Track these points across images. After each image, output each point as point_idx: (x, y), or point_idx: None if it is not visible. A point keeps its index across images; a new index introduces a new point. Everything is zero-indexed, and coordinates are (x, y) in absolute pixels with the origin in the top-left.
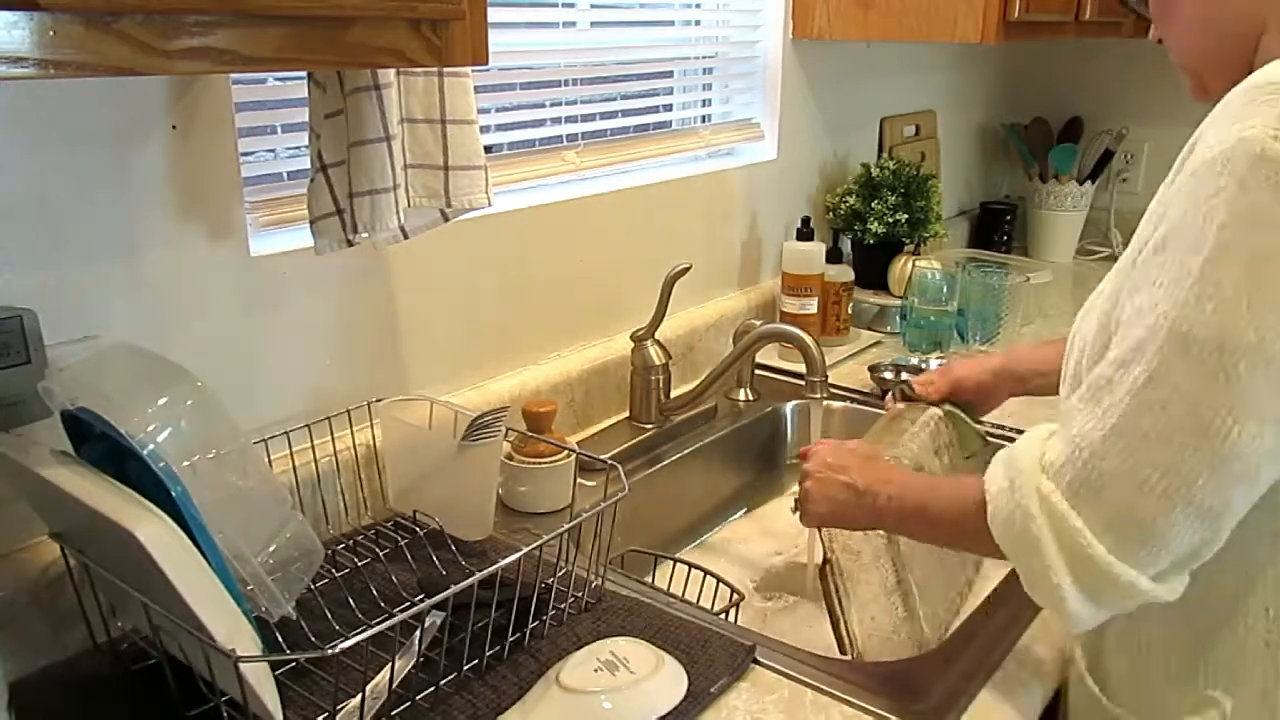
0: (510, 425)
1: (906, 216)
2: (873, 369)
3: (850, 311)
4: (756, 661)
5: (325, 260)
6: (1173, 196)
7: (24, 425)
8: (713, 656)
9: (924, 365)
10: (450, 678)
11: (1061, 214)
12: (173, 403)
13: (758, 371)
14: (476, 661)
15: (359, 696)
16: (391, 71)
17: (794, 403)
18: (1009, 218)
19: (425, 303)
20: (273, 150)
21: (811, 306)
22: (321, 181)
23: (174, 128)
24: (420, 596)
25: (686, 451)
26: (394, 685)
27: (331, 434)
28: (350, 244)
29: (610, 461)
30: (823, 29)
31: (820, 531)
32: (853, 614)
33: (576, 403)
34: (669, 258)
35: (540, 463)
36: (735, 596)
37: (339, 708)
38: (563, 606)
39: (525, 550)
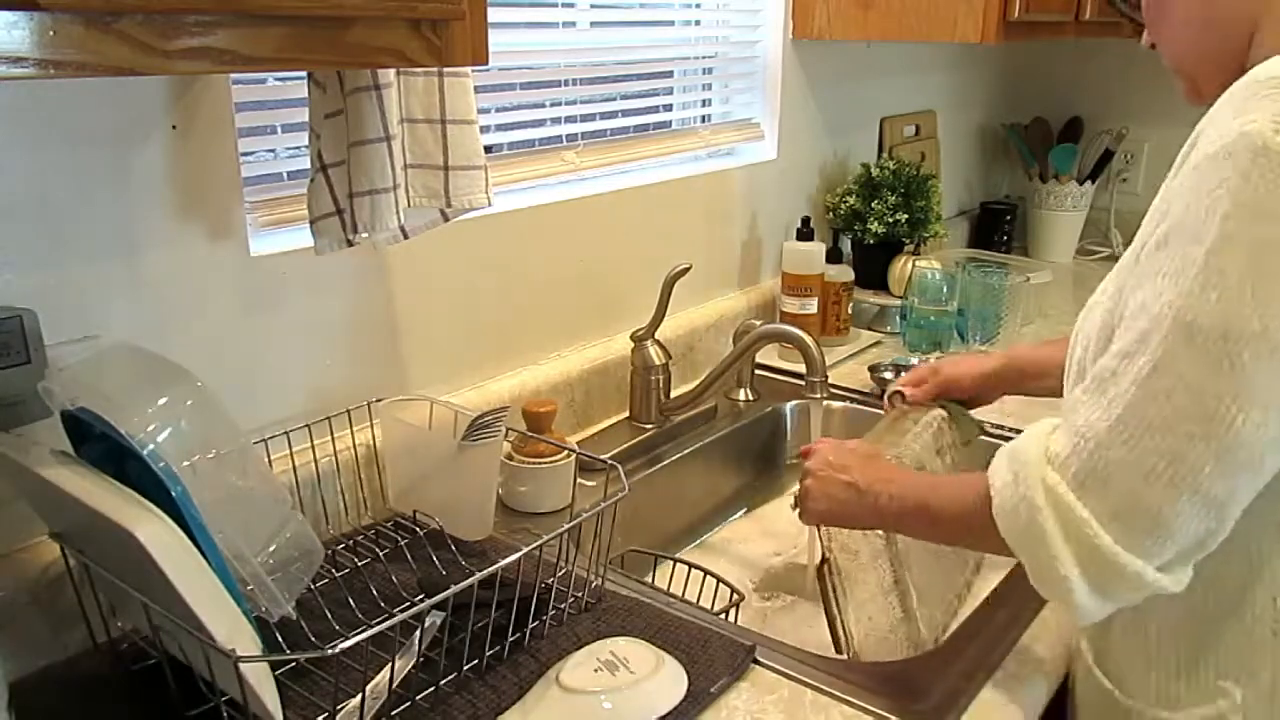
0: (510, 425)
1: (906, 216)
2: (873, 369)
3: (850, 311)
4: (756, 661)
5: (325, 260)
6: (1175, 191)
7: (24, 425)
8: (713, 656)
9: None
10: (450, 678)
11: (1061, 214)
12: (173, 403)
13: (758, 371)
14: (476, 661)
15: (359, 696)
16: (391, 71)
17: (794, 403)
18: (1009, 218)
19: (425, 303)
20: (273, 150)
21: (811, 306)
22: (321, 181)
23: (174, 128)
24: (420, 596)
25: (686, 451)
26: (394, 685)
27: (331, 434)
28: (350, 244)
29: (610, 461)
30: (823, 29)
31: (819, 530)
32: (850, 613)
33: (576, 403)
34: (669, 258)
35: (540, 463)
36: (735, 596)
37: (339, 708)
38: (563, 606)
39: (525, 550)
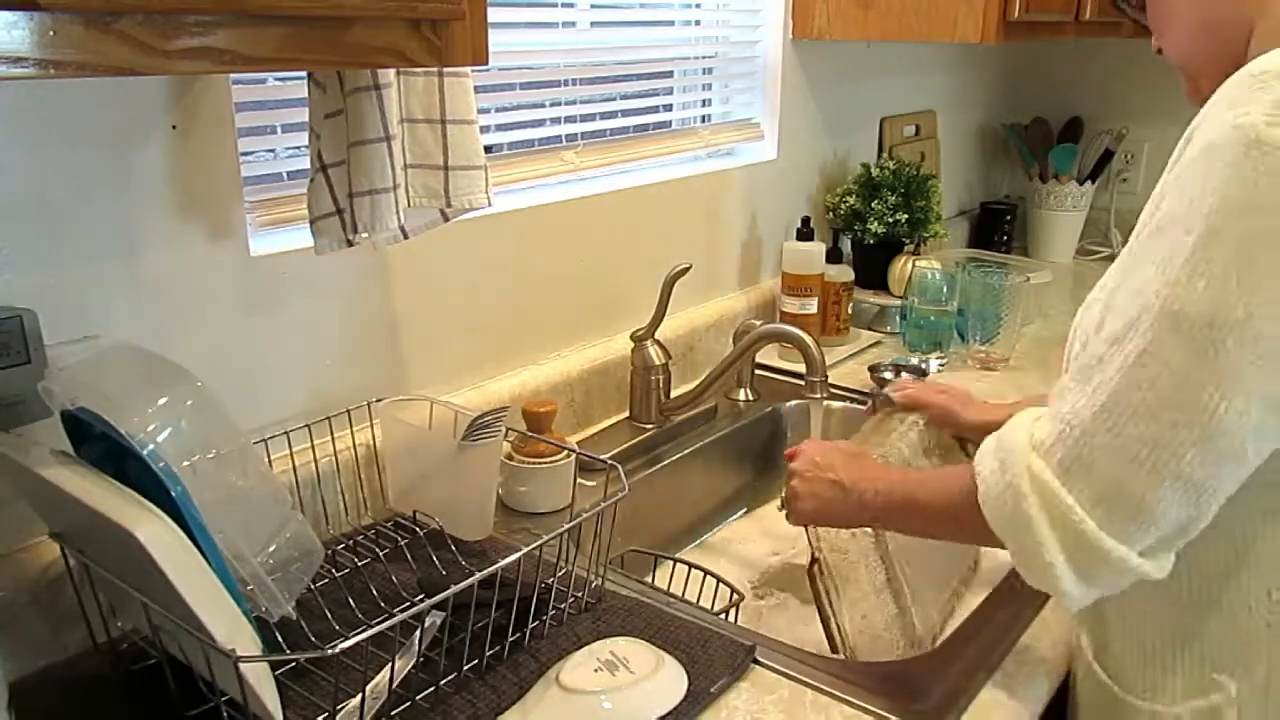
0: (510, 425)
1: (906, 216)
2: (873, 369)
3: (850, 311)
4: (756, 661)
5: (325, 260)
6: (1170, 184)
7: (24, 425)
8: (713, 656)
9: (923, 365)
10: (450, 678)
11: (1061, 214)
12: (173, 403)
13: (758, 371)
14: (476, 661)
15: (359, 696)
16: (391, 71)
17: (794, 403)
18: (1009, 218)
19: (425, 303)
20: (273, 150)
21: (811, 306)
22: (321, 181)
23: (174, 128)
24: (420, 596)
25: (686, 451)
26: (394, 685)
27: (331, 434)
28: (350, 244)
29: (610, 461)
30: (823, 29)
31: (808, 531)
32: (843, 613)
33: (576, 403)
34: (669, 258)
35: (540, 463)
36: (735, 596)
37: (339, 708)
38: (563, 606)
39: (525, 550)
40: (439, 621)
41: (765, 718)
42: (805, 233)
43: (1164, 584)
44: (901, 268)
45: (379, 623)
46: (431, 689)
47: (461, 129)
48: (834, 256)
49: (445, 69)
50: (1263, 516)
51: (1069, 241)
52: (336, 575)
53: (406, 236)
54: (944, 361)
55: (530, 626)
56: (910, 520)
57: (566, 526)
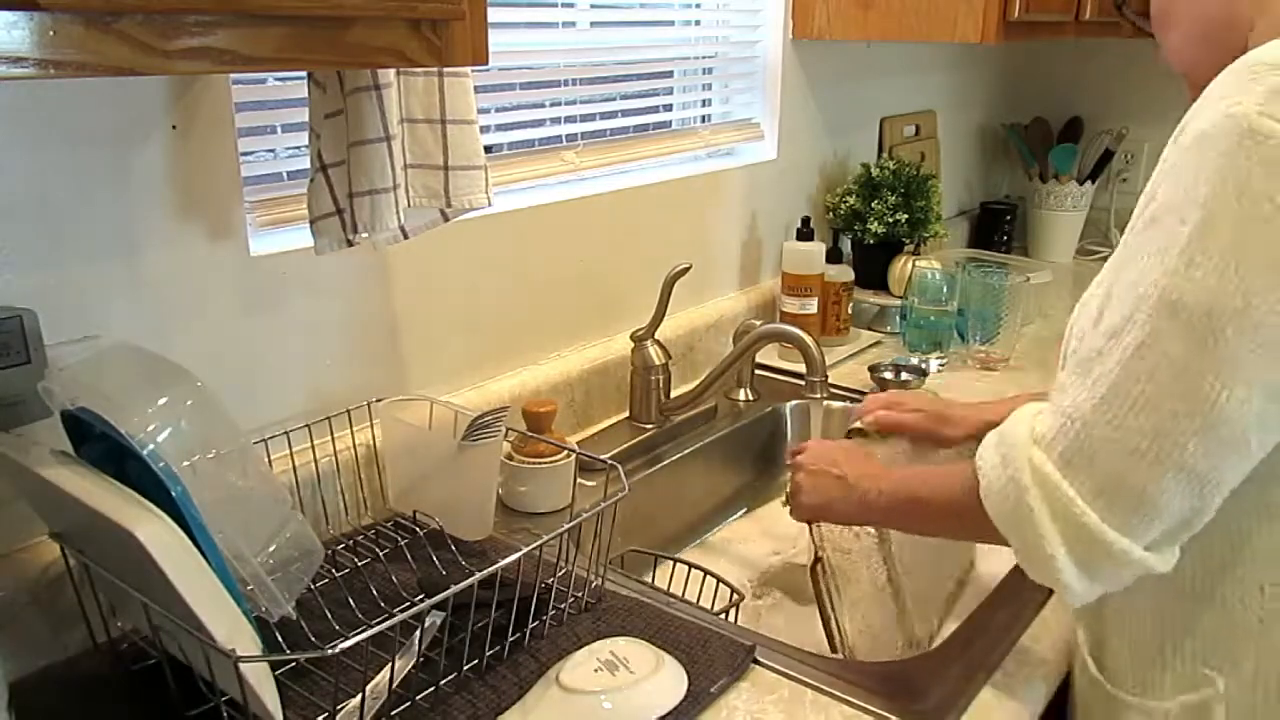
0: (510, 425)
1: (906, 216)
2: (873, 369)
3: (850, 311)
4: (756, 661)
5: (325, 260)
6: (1163, 174)
7: (24, 425)
8: (713, 656)
9: (923, 365)
10: (450, 678)
11: (1061, 214)
12: (173, 403)
13: (758, 371)
14: (476, 661)
15: (359, 696)
16: (391, 71)
17: (794, 403)
18: (1009, 218)
19: (425, 303)
20: (273, 150)
21: (811, 306)
22: (321, 181)
23: (174, 128)
24: (420, 596)
25: (686, 451)
26: (394, 685)
27: (331, 434)
28: (350, 244)
29: (610, 461)
30: (823, 29)
31: (811, 530)
32: (844, 612)
33: (576, 403)
34: (669, 258)
35: (540, 463)
36: (735, 596)
37: (339, 708)
38: (563, 606)
39: (525, 550)
40: (439, 621)
41: (765, 718)
42: (805, 233)
43: (1159, 579)
44: (901, 268)
45: (379, 623)
46: (431, 689)
47: (461, 129)
48: (834, 256)
49: (445, 69)
50: (1259, 511)
51: (1069, 241)
52: (336, 575)
53: (406, 236)
54: (944, 361)
55: (530, 626)
56: (913, 518)
57: (566, 526)
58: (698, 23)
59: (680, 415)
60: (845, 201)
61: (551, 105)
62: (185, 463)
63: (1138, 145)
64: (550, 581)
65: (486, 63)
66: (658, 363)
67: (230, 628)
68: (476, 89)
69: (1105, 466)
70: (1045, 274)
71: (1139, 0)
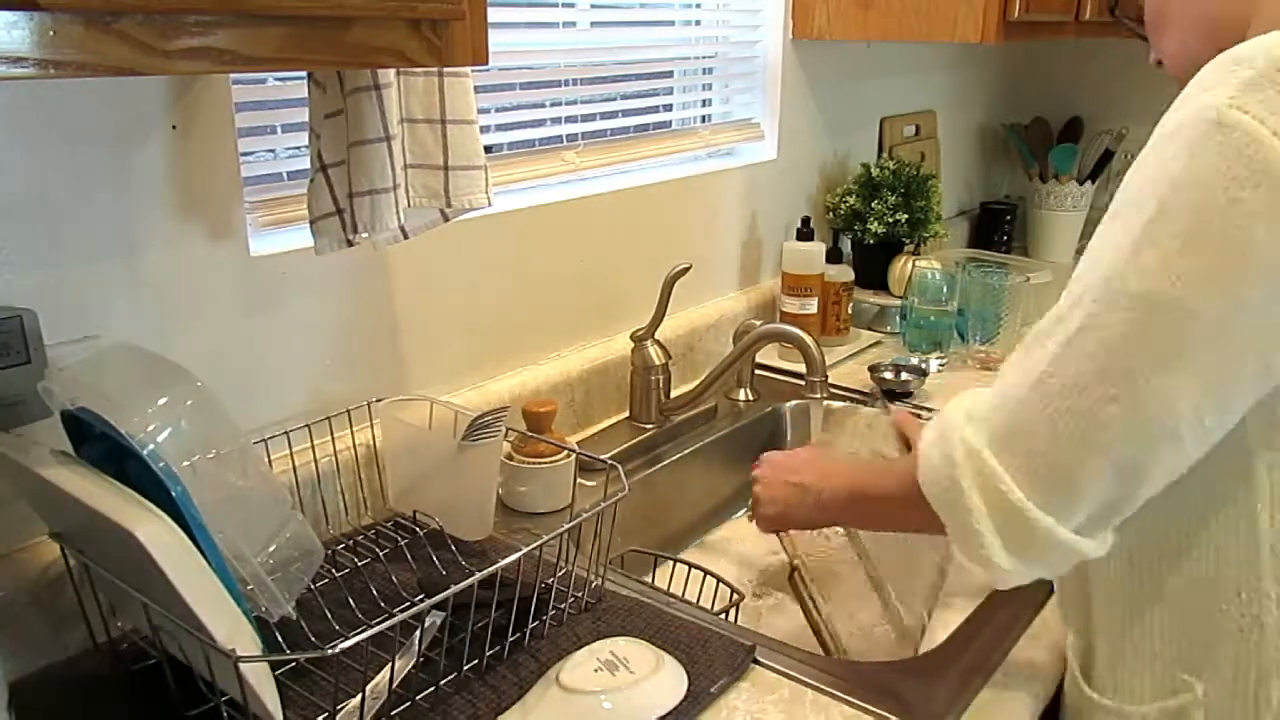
0: (510, 425)
1: (906, 216)
2: (873, 369)
3: (850, 311)
4: (756, 661)
5: (325, 260)
6: (1134, 167)
7: (24, 425)
8: (713, 656)
9: (923, 365)
10: (450, 678)
11: (1061, 214)
12: (173, 403)
13: (758, 371)
14: (476, 661)
15: (359, 696)
16: (391, 71)
17: (794, 403)
18: (1009, 218)
19: (425, 303)
20: (273, 150)
21: (811, 306)
22: (321, 181)
23: (174, 128)
24: (420, 596)
25: (686, 451)
26: (394, 685)
27: (331, 434)
28: (350, 244)
29: (610, 461)
30: (823, 29)
31: (782, 540)
32: (831, 616)
33: (576, 403)
34: (669, 258)
35: (540, 463)
36: (735, 596)
37: (339, 708)
38: (563, 606)
39: (525, 550)
40: (439, 621)
41: (765, 718)
42: (805, 233)
43: (1138, 583)
44: (901, 268)
45: (379, 623)
46: (431, 689)
47: (461, 129)
48: (834, 256)
49: (445, 69)
50: (1246, 521)
51: (1069, 241)
52: (336, 575)
53: (406, 236)
54: (944, 361)
55: (530, 626)
56: (869, 513)
57: (566, 526)
58: (698, 23)
59: (680, 415)
60: (845, 201)
61: (551, 105)
62: (185, 463)
63: (1138, 145)
64: (550, 581)
65: (486, 63)
66: (658, 363)
67: (230, 628)
68: (476, 89)
69: (1033, 445)
70: (1045, 274)
71: (1133, 5)
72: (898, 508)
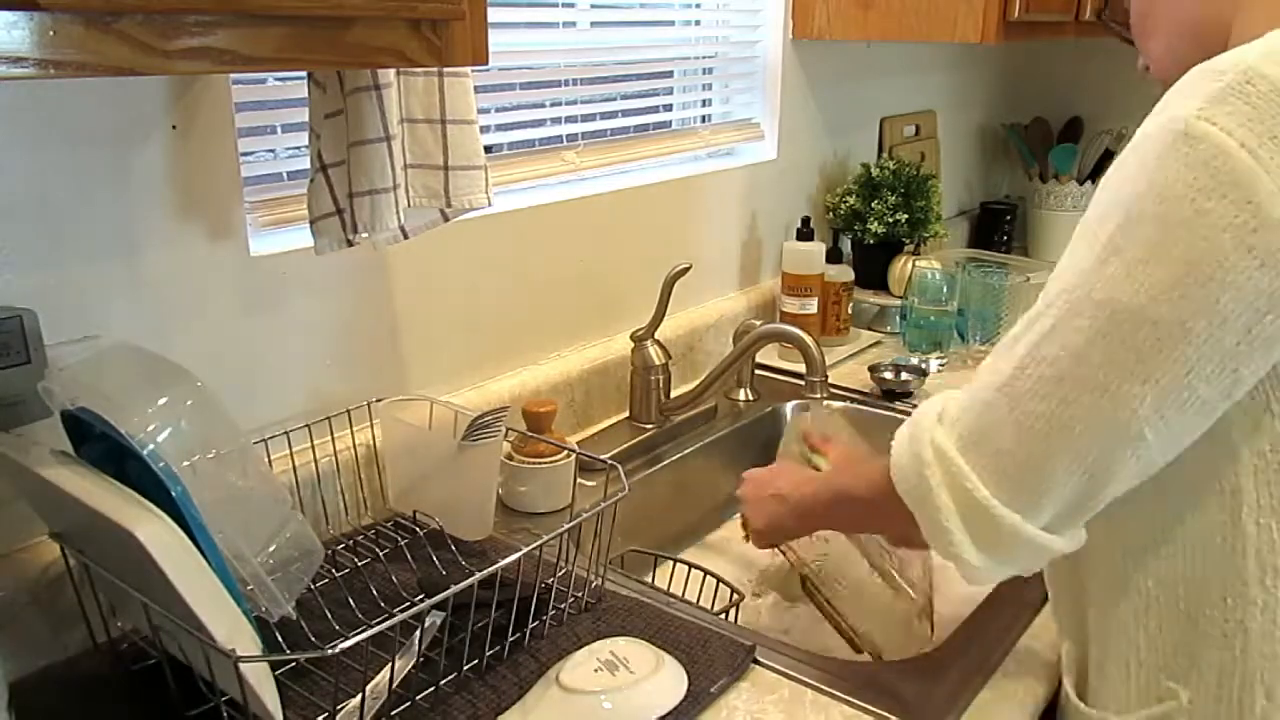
0: (510, 425)
1: (906, 216)
2: (873, 369)
3: (850, 311)
4: (756, 661)
5: (325, 260)
6: (1108, 174)
7: (24, 425)
8: (713, 656)
9: (923, 365)
10: (450, 678)
11: (1061, 214)
12: (173, 403)
13: (758, 371)
14: (476, 661)
15: (359, 696)
16: (391, 71)
17: (794, 403)
18: (1009, 218)
19: (425, 303)
20: (273, 150)
21: (811, 306)
22: (321, 181)
23: (174, 128)
24: (420, 596)
25: (686, 451)
26: (394, 685)
27: (331, 434)
28: (350, 244)
29: (610, 461)
30: (823, 29)
31: (782, 553)
32: (849, 612)
33: (576, 403)
34: (669, 258)
35: (540, 463)
36: (735, 596)
37: (339, 708)
38: (563, 606)
39: (525, 550)
40: (439, 621)
41: (765, 718)
42: (805, 233)
43: (1122, 589)
44: (901, 268)
45: (379, 623)
46: (431, 689)
47: (461, 129)
48: (834, 256)
49: (445, 69)
50: (1229, 526)
51: (1069, 242)
52: (336, 575)
53: (406, 236)
54: (944, 361)
55: (530, 626)
56: (850, 515)
57: (566, 526)
58: (698, 23)
59: (680, 415)
60: (845, 201)
61: (551, 105)
62: (185, 463)
63: None
64: (550, 581)
65: (486, 63)
66: (658, 363)
67: (230, 628)
68: (476, 89)
69: (1000, 445)
70: (1045, 274)
71: (1121, 9)
72: (874, 508)
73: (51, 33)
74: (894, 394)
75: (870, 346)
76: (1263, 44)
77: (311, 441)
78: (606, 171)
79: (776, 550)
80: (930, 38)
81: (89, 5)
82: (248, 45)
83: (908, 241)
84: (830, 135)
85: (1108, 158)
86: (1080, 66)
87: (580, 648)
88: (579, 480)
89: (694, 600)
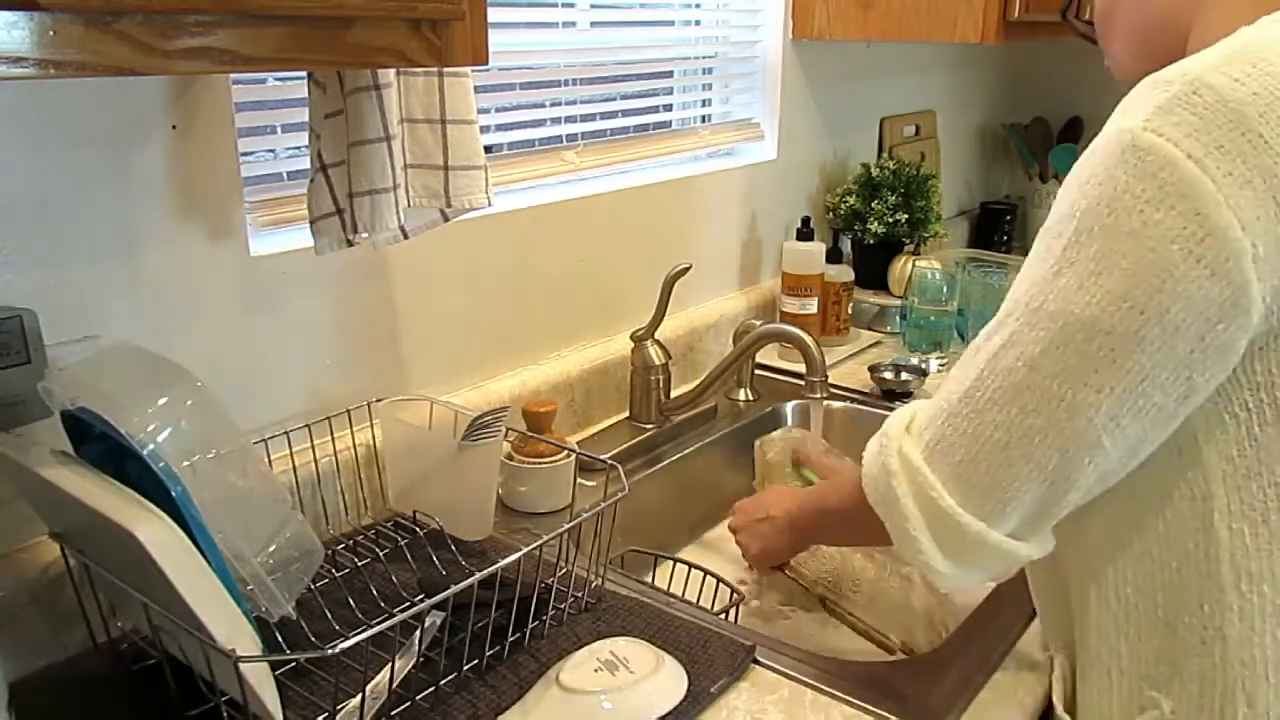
0: (510, 425)
1: (906, 216)
2: (873, 369)
3: (850, 311)
4: (756, 661)
5: (325, 260)
6: (1064, 185)
7: (24, 425)
8: (713, 656)
9: (923, 365)
10: (450, 678)
11: None
12: (173, 403)
13: (758, 371)
14: (476, 661)
15: (359, 696)
16: (391, 71)
17: (794, 403)
18: (1009, 218)
19: (425, 303)
20: (273, 150)
21: (811, 306)
22: (321, 181)
23: (174, 128)
24: (420, 596)
25: (686, 451)
26: (394, 685)
27: (331, 434)
28: (350, 244)
29: (610, 461)
30: (823, 29)
31: (786, 574)
32: (873, 620)
33: (576, 403)
34: (669, 258)
35: (540, 463)
36: (735, 596)
37: (339, 708)
38: (563, 606)
39: (525, 550)
40: (439, 621)
41: (765, 718)
42: (805, 233)
43: (1105, 597)
44: (901, 268)
45: (379, 623)
46: (431, 689)
47: (461, 129)
48: (834, 256)
49: (445, 69)
50: (1205, 533)
51: None
52: (336, 575)
53: (406, 236)
54: (944, 361)
55: (530, 626)
56: (835, 526)
57: (566, 526)
58: (698, 23)
59: (680, 415)
60: (845, 201)
61: (551, 105)
62: (185, 463)
63: None
64: (550, 581)
65: (486, 63)
66: (658, 363)
67: (230, 628)
68: (476, 89)
69: (963, 454)
70: None
71: (1088, 7)
72: (852, 519)
73: (51, 33)
74: (894, 394)
75: (870, 346)
76: (1213, 54)
77: (311, 441)
78: (606, 171)
79: (787, 575)
80: (930, 38)
81: (89, 5)
82: (248, 45)
83: (908, 241)
84: (830, 135)
85: None
86: (1080, 66)
87: (580, 648)
88: (579, 480)
89: (694, 600)
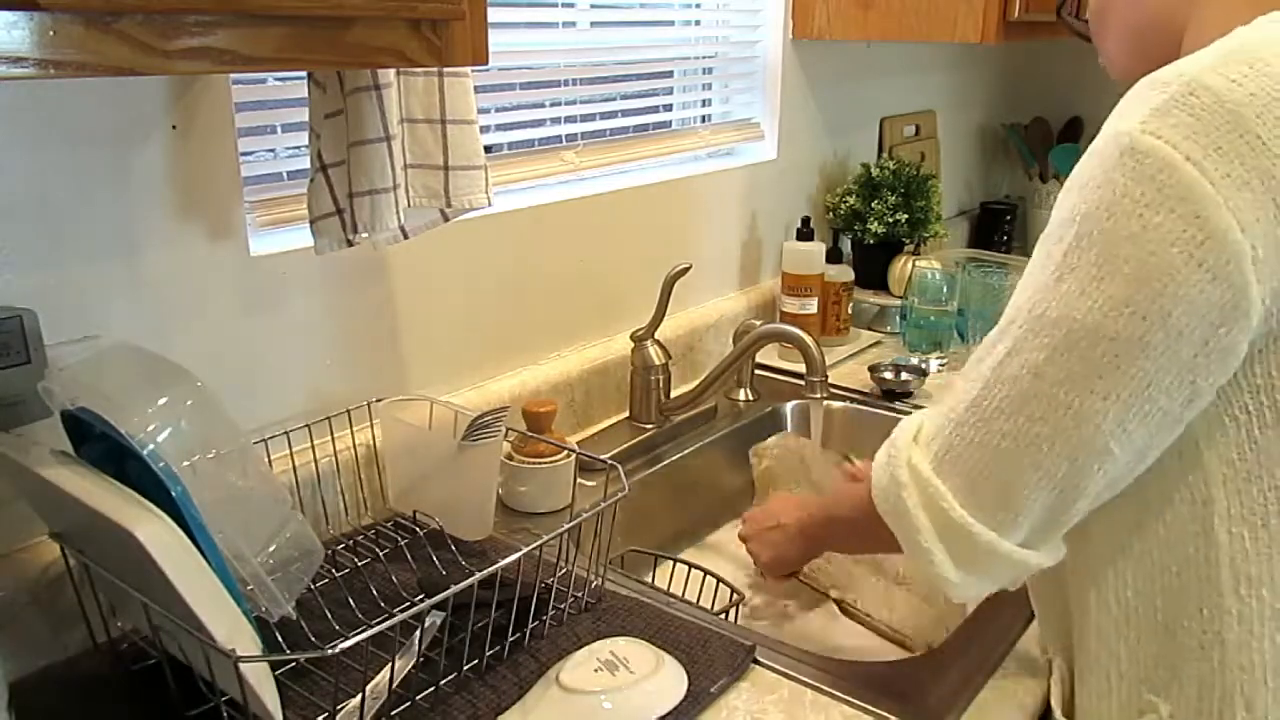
0: (510, 425)
1: (906, 216)
2: (873, 369)
3: (850, 311)
4: (756, 661)
5: (325, 260)
6: (1064, 189)
7: (24, 425)
8: (713, 656)
9: (923, 365)
10: (450, 678)
11: None
12: (173, 403)
13: (758, 371)
14: (476, 661)
15: (359, 696)
16: (391, 71)
17: (794, 403)
18: (1009, 218)
19: (425, 303)
20: (273, 150)
21: (811, 306)
22: (321, 181)
23: (174, 128)
24: (420, 596)
25: (686, 451)
26: (394, 685)
27: (331, 434)
28: (350, 244)
29: (610, 461)
30: (823, 29)
31: (801, 581)
32: (888, 619)
33: (576, 403)
34: (669, 258)
35: (540, 463)
36: (735, 596)
37: (339, 708)
38: (563, 606)
39: (525, 550)
40: (439, 621)
41: (765, 718)
42: (805, 233)
43: (1104, 601)
44: (901, 268)
45: (379, 623)
46: (431, 689)
47: (461, 129)
48: (834, 256)
49: (445, 69)
50: (1203, 537)
51: None
52: (336, 575)
53: (406, 236)
54: (944, 361)
55: (530, 626)
56: (845, 534)
57: (566, 526)
58: (698, 23)
59: (680, 415)
60: (845, 201)
61: (551, 105)
62: (185, 463)
63: None
64: (550, 581)
65: (486, 63)
66: (658, 363)
67: (230, 628)
68: (476, 89)
69: (971, 464)
70: None
71: (1080, 6)
72: (862, 528)
73: (51, 33)
74: (894, 394)
75: (870, 346)
76: (1209, 54)
77: (311, 441)
78: (606, 171)
79: (800, 581)
80: (930, 38)
81: (89, 5)
82: (248, 45)
83: (908, 241)
84: (830, 135)
85: None
86: (1080, 66)
87: (580, 648)
88: (579, 480)
89: (694, 600)
